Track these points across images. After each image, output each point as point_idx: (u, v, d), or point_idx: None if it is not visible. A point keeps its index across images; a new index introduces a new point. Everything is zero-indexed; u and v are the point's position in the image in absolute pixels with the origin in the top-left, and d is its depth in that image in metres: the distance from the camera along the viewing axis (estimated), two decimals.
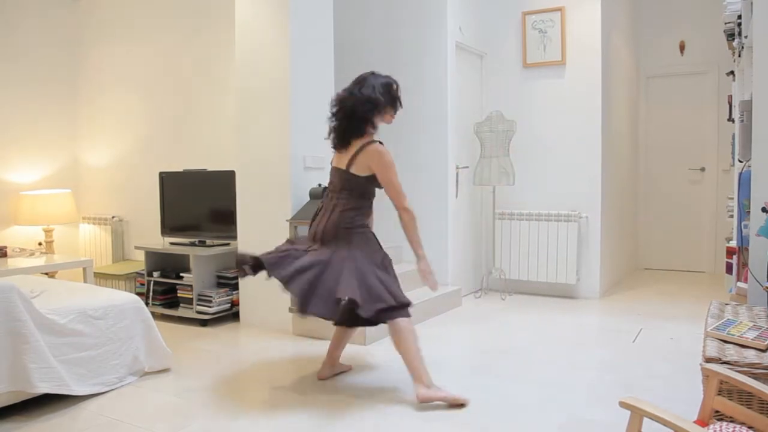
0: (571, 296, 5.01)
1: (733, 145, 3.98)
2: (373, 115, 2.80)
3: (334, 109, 2.85)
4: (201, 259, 4.19)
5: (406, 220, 2.81)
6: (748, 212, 2.71)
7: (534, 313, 4.49)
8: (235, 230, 4.15)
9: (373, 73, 2.87)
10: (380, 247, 2.88)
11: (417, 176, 4.72)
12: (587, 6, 4.89)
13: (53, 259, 4.40)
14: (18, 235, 5.05)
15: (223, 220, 4.29)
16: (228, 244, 4.31)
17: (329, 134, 2.90)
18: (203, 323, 4.12)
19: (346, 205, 2.81)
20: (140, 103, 5.15)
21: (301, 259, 2.70)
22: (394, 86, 2.88)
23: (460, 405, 2.62)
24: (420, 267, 2.82)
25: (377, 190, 2.92)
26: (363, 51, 5.02)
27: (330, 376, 3.05)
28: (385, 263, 2.81)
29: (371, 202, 2.93)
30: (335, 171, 2.90)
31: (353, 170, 2.80)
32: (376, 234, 2.93)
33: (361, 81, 2.83)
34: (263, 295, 4.00)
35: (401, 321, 2.67)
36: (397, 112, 2.94)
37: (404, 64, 4.84)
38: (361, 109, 2.77)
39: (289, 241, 3.01)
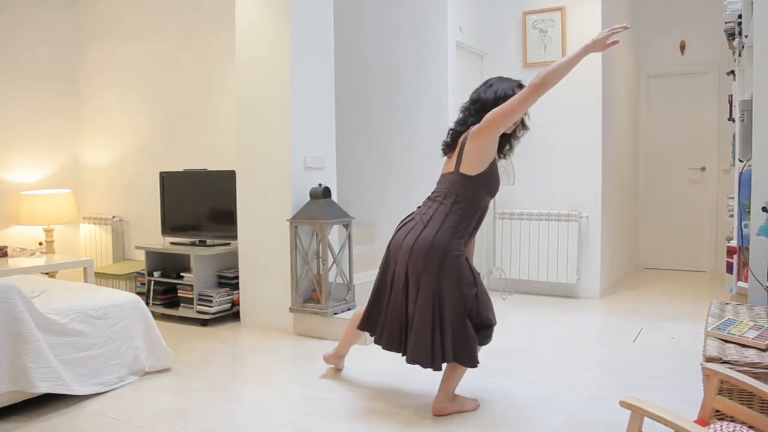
0: (572, 296, 5.01)
1: (733, 144, 3.98)
2: (481, 111, 2.50)
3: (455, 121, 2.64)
4: (201, 259, 4.19)
5: (540, 80, 2.33)
6: (749, 212, 2.71)
7: (534, 312, 4.49)
8: (235, 230, 4.15)
9: (499, 78, 2.60)
10: (474, 278, 2.52)
11: (417, 176, 4.71)
12: (587, 6, 4.89)
13: (54, 259, 4.40)
14: (18, 235, 5.05)
15: (224, 220, 4.29)
16: (228, 244, 4.31)
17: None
18: (204, 323, 4.12)
19: (444, 219, 2.48)
20: (140, 103, 5.15)
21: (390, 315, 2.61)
22: (508, 90, 2.52)
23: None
24: (592, 47, 2.36)
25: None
26: (363, 51, 5.02)
27: (332, 365, 3.12)
28: (477, 295, 2.51)
29: (476, 221, 2.56)
30: (443, 177, 2.61)
31: (463, 169, 2.49)
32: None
33: (486, 84, 2.60)
34: (264, 295, 4.01)
35: None
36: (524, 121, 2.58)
37: (404, 64, 4.85)
38: (478, 109, 2.53)
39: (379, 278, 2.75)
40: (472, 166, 2.49)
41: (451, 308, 2.46)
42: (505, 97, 2.48)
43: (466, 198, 2.51)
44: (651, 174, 6.38)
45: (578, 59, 2.36)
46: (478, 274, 2.59)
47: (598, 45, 2.37)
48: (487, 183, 2.53)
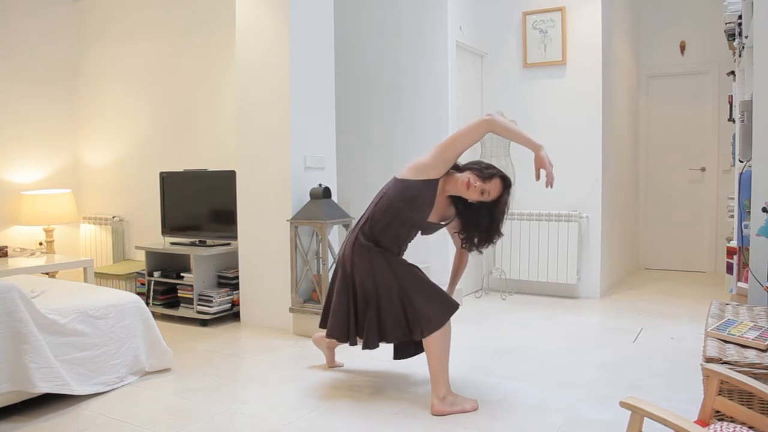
0: (572, 296, 5.01)
1: (733, 145, 3.98)
2: (467, 168, 2.65)
3: None
4: (201, 259, 4.19)
5: (493, 120, 2.54)
6: (749, 212, 2.71)
7: (534, 312, 4.49)
8: (235, 230, 4.15)
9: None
10: (393, 272, 2.62)
11: None
12: (588, 6, 4.89)
13: (54, 259, 4.40)
14: (19, 235, 5.05)
15: (224, 220, 4.29)
16: (228, 244, 4.31)
17: None
18: (204, 323, 4.12)
19: (365, 223, 2.70)
20: (140, 103, 5.15)
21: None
22: (494, 173, 2.66)
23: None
24: (533, 148, 2.62)
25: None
26: (363, 51, 5.02)
27: (321, 350, 3.19)
28: (404, 287, 2.60)
29: (384, 227, 2.66)
30: None
31: (398, 174, 2.66)
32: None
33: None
34: (264, 295, 4.01)
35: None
36: (475, 189, 2.59)
37: (404, 64, 4.85)
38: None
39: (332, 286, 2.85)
40: (406, 173, 2.63)
41: (362, 293, 2.64)
42: (485, 168, 2.65)
43: (382, 197, 2.68)
44: (651, 174, 6.38)
45: (521, 141, 2.63)
46: (411, 269, 2.65)
47: (536, 153, 2.66)
48: (406, 194, 2.59)
